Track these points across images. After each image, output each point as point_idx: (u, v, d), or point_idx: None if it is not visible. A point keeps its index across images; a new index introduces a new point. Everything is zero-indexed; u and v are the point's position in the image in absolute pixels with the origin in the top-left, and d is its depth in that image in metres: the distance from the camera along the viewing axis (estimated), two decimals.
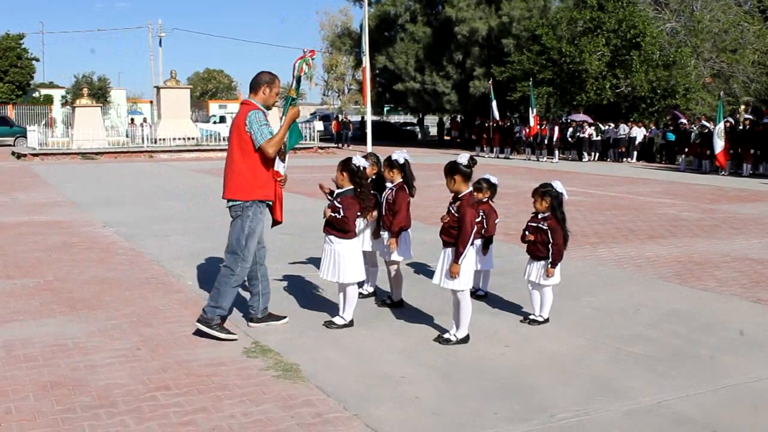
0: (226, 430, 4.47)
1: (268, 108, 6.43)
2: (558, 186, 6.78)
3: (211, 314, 6.24)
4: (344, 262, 6.45)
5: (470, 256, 6.11)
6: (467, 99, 41.89)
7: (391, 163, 7.20)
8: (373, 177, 7.39)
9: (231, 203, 6.34)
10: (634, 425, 4.60)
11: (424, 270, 8.92)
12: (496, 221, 7.75)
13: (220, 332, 6.22)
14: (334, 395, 5.03)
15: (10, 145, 42.64)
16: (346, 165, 6.58)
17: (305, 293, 7.90)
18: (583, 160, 31.99)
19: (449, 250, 6.09)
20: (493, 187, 7.75)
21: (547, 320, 6.80)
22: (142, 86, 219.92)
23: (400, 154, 7.21)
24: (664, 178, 23.62)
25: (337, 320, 6.66)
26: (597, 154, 32.51)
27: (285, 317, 6.79)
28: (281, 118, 6.66)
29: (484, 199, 7.63)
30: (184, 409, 4.77)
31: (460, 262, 5.98)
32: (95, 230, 12.35)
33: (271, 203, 6.50)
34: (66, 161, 31.75)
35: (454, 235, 6.04)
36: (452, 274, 6.01)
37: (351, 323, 6.65)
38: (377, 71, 45.21)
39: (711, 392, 5.17)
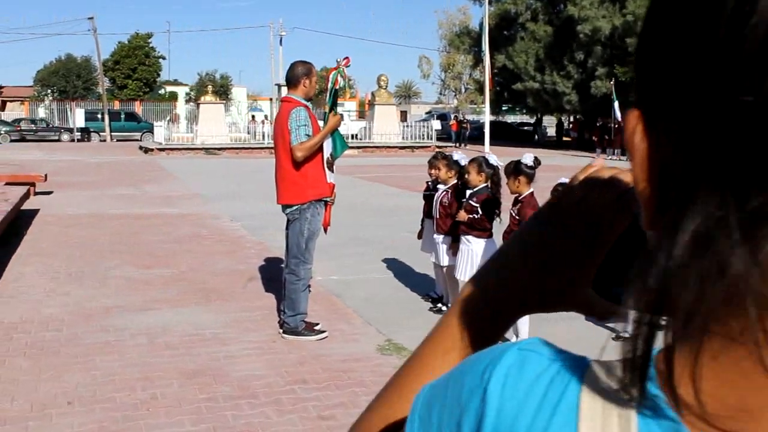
0: None
1: (310, 99, 6.21)
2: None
3: (294, 323, 6.16)
4: (481, 263, 6.32)
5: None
6: (588, 99, 40.98)
7: (452, 164, 7.02)
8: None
9: (287, 209, 6.17)
10: None
11: None
12: None
13: (311, 335, 6.14)
14: None
15: (137, 140, 44.41)
16: (481, 165, 6.47)
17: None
18: None
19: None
20: None
21: None
22: (262, 84, 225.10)
23: (459, 155, 7.07)
24: None
25: None
26: None
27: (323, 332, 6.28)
28: (324, 119, 6.39)
29: None
30: (323, 403, 4.75)
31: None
32: (223, 223, 12.62)
33: (327, 200, 6.32)
34: (190, 156, 32.76)
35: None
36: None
37: None
38: (496, 70, 44.73)
39: None
